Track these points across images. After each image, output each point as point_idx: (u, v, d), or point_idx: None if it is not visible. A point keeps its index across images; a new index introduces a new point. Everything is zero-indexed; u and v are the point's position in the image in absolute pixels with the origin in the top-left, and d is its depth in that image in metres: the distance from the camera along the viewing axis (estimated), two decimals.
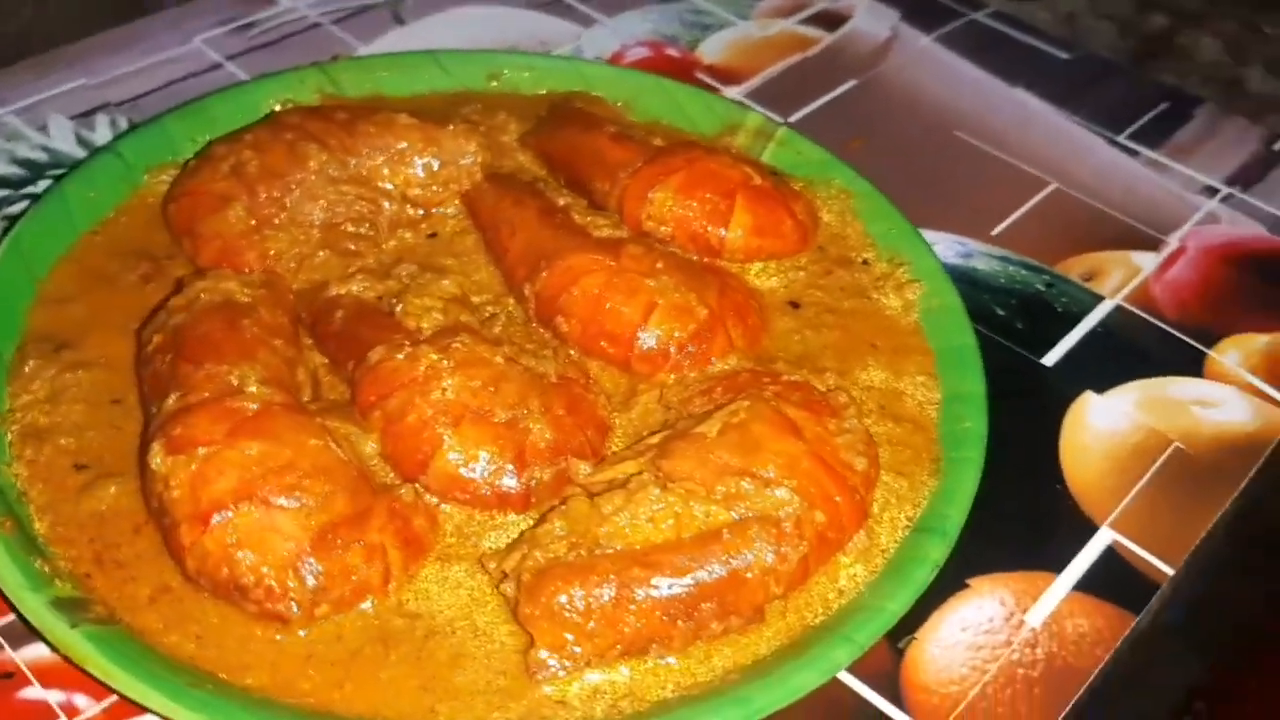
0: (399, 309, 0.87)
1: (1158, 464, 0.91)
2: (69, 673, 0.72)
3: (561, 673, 0.71)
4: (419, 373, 0.80)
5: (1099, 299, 1.05)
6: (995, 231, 1.10)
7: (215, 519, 0.71)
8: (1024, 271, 1.07)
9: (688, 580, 0.72)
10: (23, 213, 0.93)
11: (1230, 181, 1.19)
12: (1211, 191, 1.18)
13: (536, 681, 0.71)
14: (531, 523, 0.78)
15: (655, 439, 0.80)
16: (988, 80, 1.30)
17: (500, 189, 0.97)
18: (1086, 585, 0.82)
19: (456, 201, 0.99)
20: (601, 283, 0.87)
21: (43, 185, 1.05)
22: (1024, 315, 1.02)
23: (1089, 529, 0.86)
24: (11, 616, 0.75)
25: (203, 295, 0.83)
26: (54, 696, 0.72)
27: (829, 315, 0.95)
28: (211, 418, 0.74)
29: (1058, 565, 0.84)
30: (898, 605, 0.74)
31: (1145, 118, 1.26)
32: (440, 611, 0.74)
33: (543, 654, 0.70)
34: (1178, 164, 1.21)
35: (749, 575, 0.72)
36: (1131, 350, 1.01)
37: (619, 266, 0.88)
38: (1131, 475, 0.90)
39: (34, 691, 0.72)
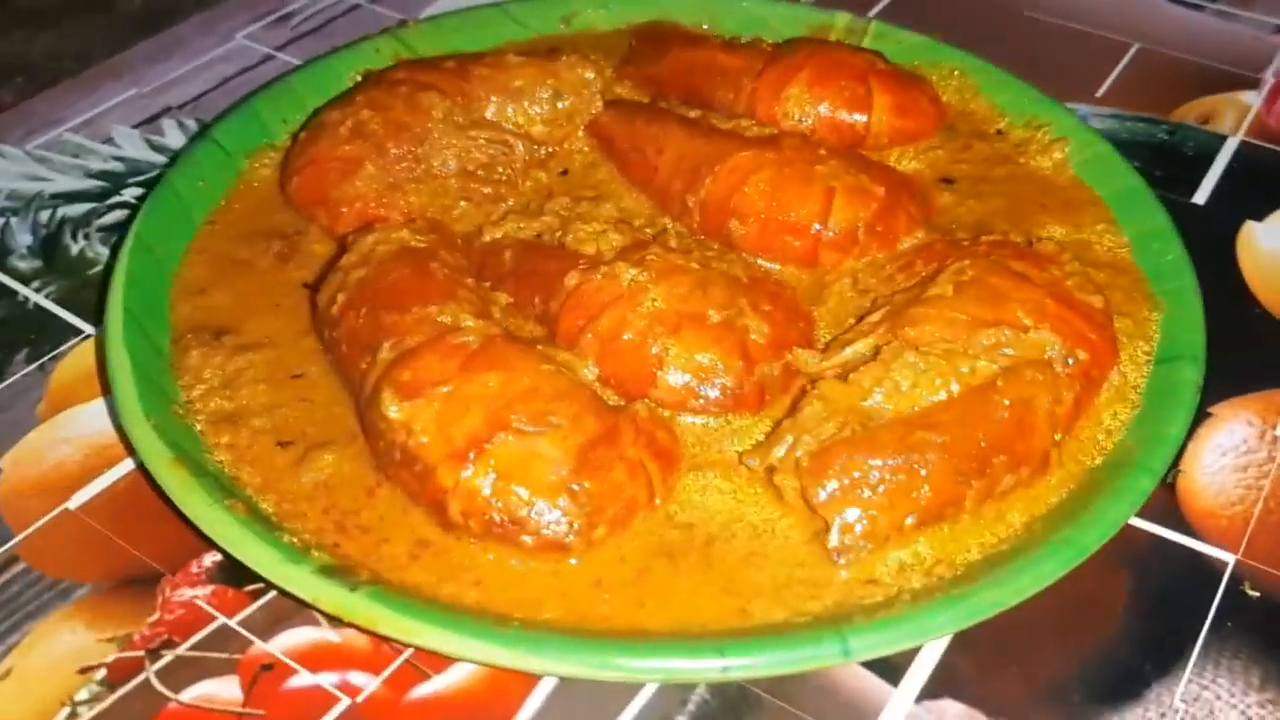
0: (569, 239, 0.82)
1: None
2: (334, 651, 0.68)
3: (864, 551, 0.67)
4: (624, 288, 0.76)
5: (1223, 138, 1.04)
6: (1100, 94, 1.09)
7: (474, 455, 0.66)
8: (1142, 124, 1.06)
9: (977, 435, 0.68)
10: (124, 221, 0.87)
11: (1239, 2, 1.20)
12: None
13: (839, 565, 0.67)
14: (768, 422, 0.74)
15: (876, 316, 0.77)
16: None
17: (629, 111, 0.93)
18: None
19: (580, 134, 0.95)
20: (772, 177, 0.84)
21: (129, 194, 0.99)
22: (1159, 163, 1.01)
23: None
24: (250, 608, 0.69)
25: (379, 247, 0.78)
26: (327, 679, 0.66)
27: (984, 184, 0.92)
28: (440, 356, 0.69)
29: None
30: (1178, 429, 0.71)
31: None
32: (711, 518, 0.70)
33: (841, 535, 0.67)
34: (1243, 11, 1.21)
35: (1034, 421, 0.69)
36: (1270, 176, 1.00)
37: (784, 159, 0.85)
38: None
39: (303, 679, 0.66)
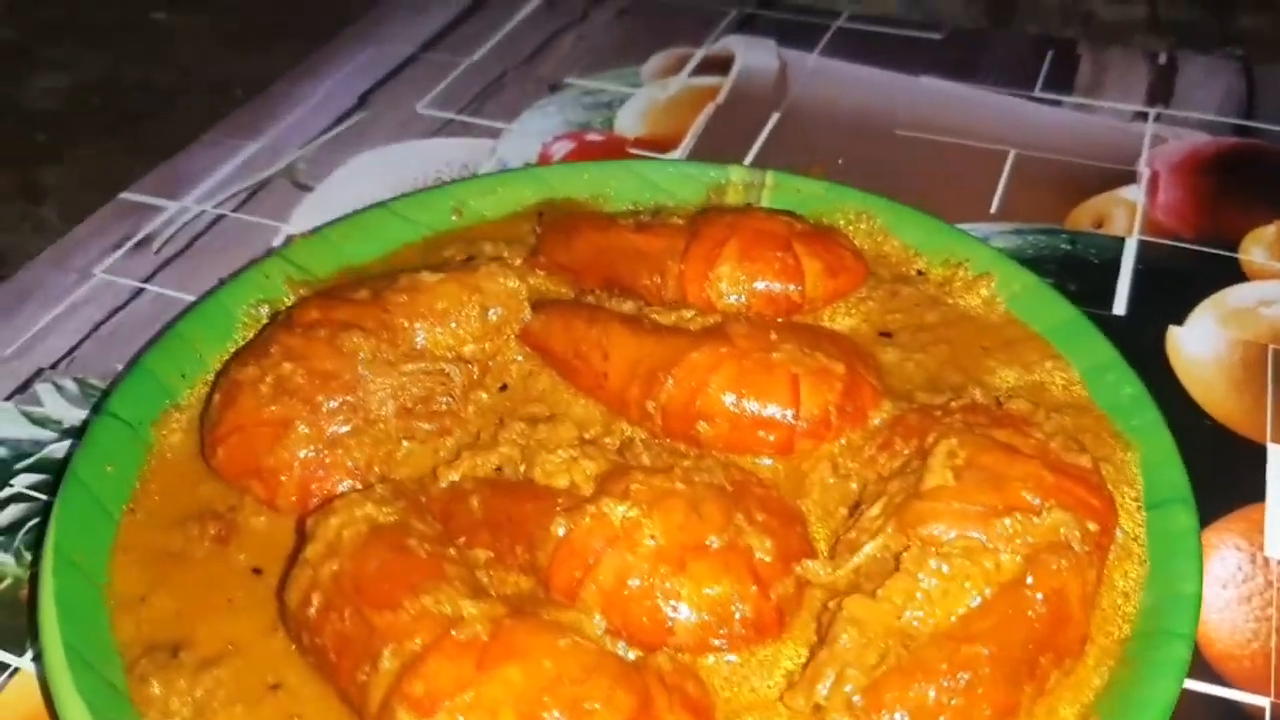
0: (536, 472, 0.78)
1: (1270, 370, 0.93)
2: None
3: None
4: (617, 529, 0.72)
5: (1121, 240, 1.07)
6: (994, 210, 1.11)
7: None
8: (1043, 236, 1.08)
9: (1021, 638, 0.66)
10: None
11: (1150, 103, 1.25)
12: (1142, 116, 1.23)
13: None
14: (792, 646, 0.71)
15: (875, 510, 0.75)
16: (891, 77, 1.31)
17: (563, 315, 0.89)
18: None
19: (513, 343, 0.90)
20: (732, 374, 0.81)
21: (20, 483, 0.89)
22: (1070, 276, 1.03)
23: (1259, 449, 0.87)
24: None
25: (345, 533, 0.71)
26: None
27: (923, 333, 0.92)
28: (449, 659, 0.63)
29: (1258, 493, 0.84)
30: (1195, 586, 0.71)
31: (1043, 70, 1.31)
32: None
33: None
34: (1097, 101, 1.26)
35: (1070, 610, 0.68)
36: (1176, 276, 1.03)
37: (739, 351, 0.82)
38: (1257, 386, 0.92)
39: None
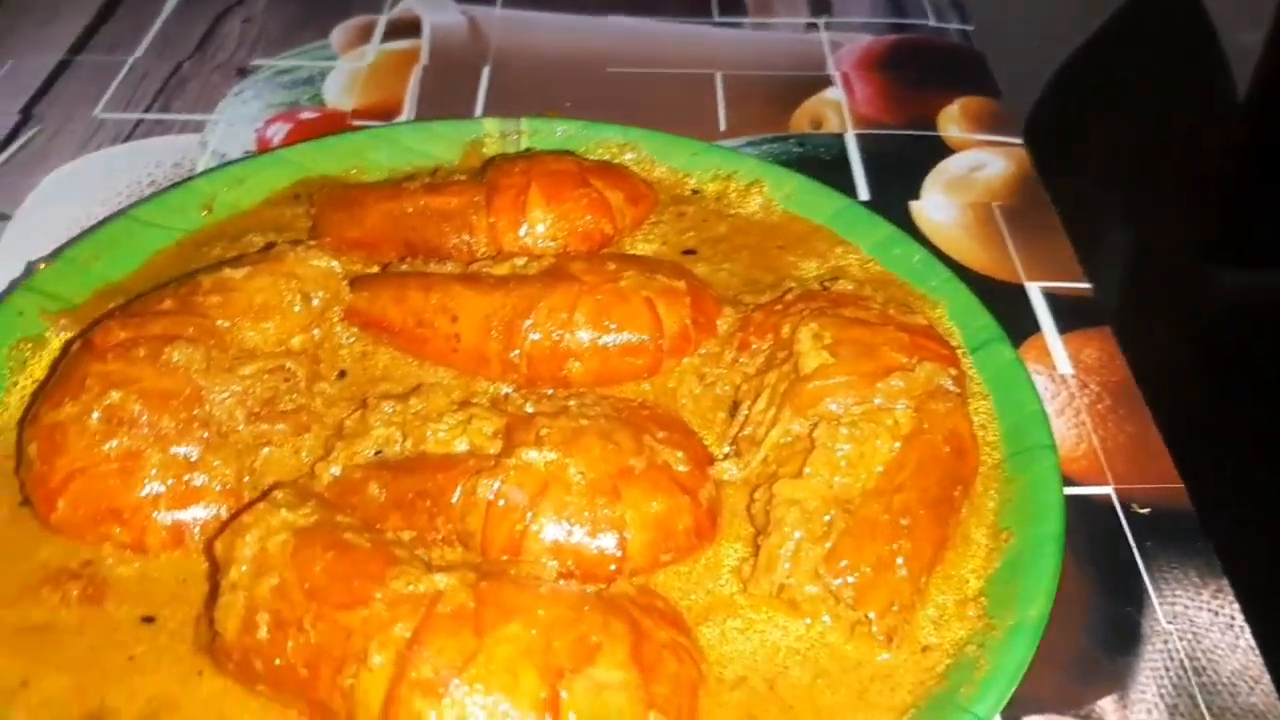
0: (428, 444, 0.75)
1: (1001, 223, 1.06)
2: None
3: (905, 625, 0.69)
4: (544, 474, 0.71)
5: (840, 136, 1.17)
6: (723, 128, 1.18)
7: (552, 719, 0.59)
8: (775, 144, 1.16)
9: (936, 477, 0.73)
10: None
11: (815, 14, 1.36)
12: (814, 26, 1.34)
13: (893, 647, 0.69)
14: (726, 545, 0.74)
15: (761, 404, 0.79)
16: (580, 19, 1.34)
17: (389, 286, 0.85)
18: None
19: (337, 328, 0.85)
20: (591, 309, 0.82)
21: None
22: (811, 174, 1.11)
23: (1019, 288, 0.99)
24: None
25: (269, 547, 0.65)
26: None
27: (722, 245, 0.96)
28: (445, 633, 0.60)
29: (1033, 326, 0.96)
30: (1037, 404, 0.81)
31: None
32: (754, 661, 0.68)
33: (882, 621, 0.68)
34: (770, 19, 1.35)
35: (965, 444, 0.75)
36: (896, 159, 1.14)
37: (589, 286, 0.83)
38: (997, 239, 1.04)
39: None
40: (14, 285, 0.87)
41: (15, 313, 0.85)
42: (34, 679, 0.66)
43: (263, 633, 0.63)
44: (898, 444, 0.74)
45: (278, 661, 0.63)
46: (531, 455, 0.71)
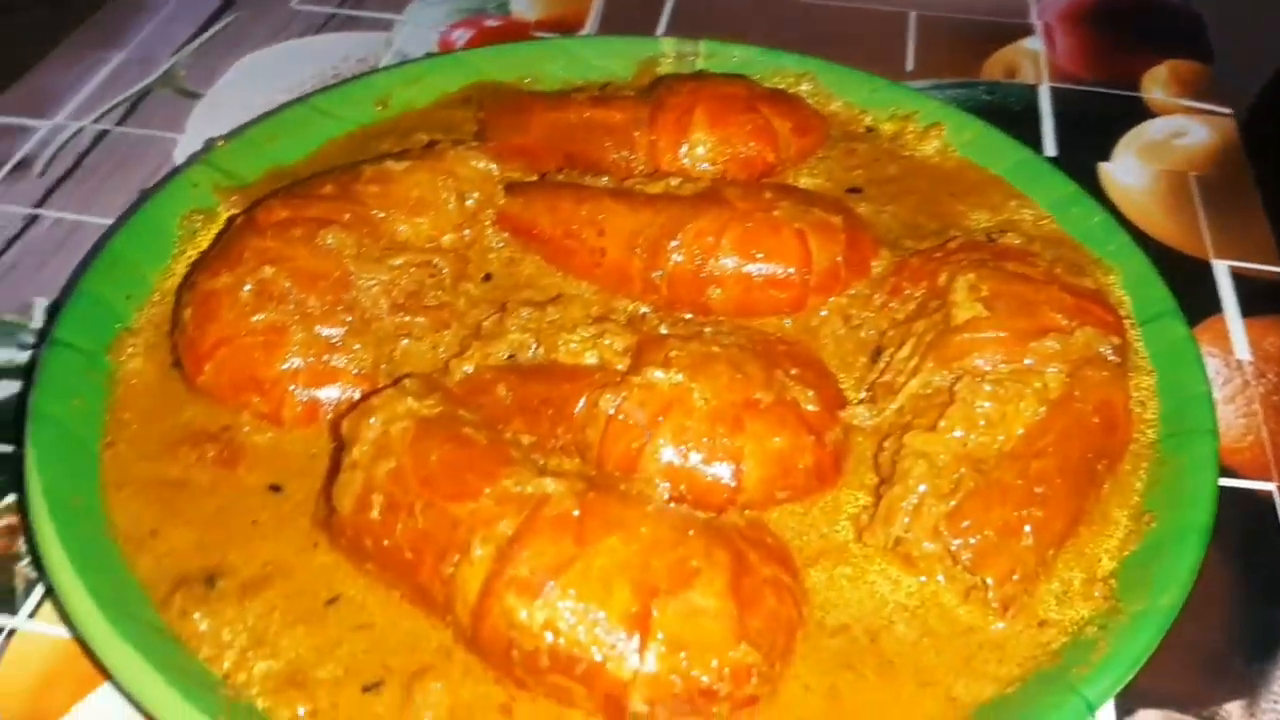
0: (559, 354, 0.75)
1: (1196, 194, 0.99)
2: None
3: (1024, 595, 0.66)
4: (668, 395, 0.70)
5: (1034, 88, 1.10)
6: (910, 68, 1.13)
7: (641, 637, 0.58)
8: (963, 90, 1.10)
9: (1081, 447, 0.69)
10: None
11: None
12: None
13: (1008, 617, 0.66)
14: (848, 492, 0.72)
15: (905, 352, 0.76)
16: None
17: (545, 195, 0.85)
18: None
19: (489, 231, 0.85)
20: (739, 236, 0.80)
21: None
22: (997, 123, 1.05)
23: (1205, 264, 0.93)
24: None
25: (391, 431, 0.66)
26: None
27: (889, 186, 0.93)
28: (548, 537, 0.60)
29: (1214, 306, 0.89)
30: (1204, 386, 0.75)
31: None
32: (860, 611, 0.66)
33: (1000, 588, 0.65)
34: None
35: (1116, 417, 0.71)
36: (1092, 117, 1.07)
37: (741, 213, 0.81)
38: (1189, 210, 0.97)
39: None
40: (192, 159, 0.90)
41: (190, 185, 0.88)
42: (163, 530, 0.69)
43: (375, 513, 0.64)
44: (1043, 408, 0.70)
45: (386, 543, 0.64)
46: (657, 375, 0.71)
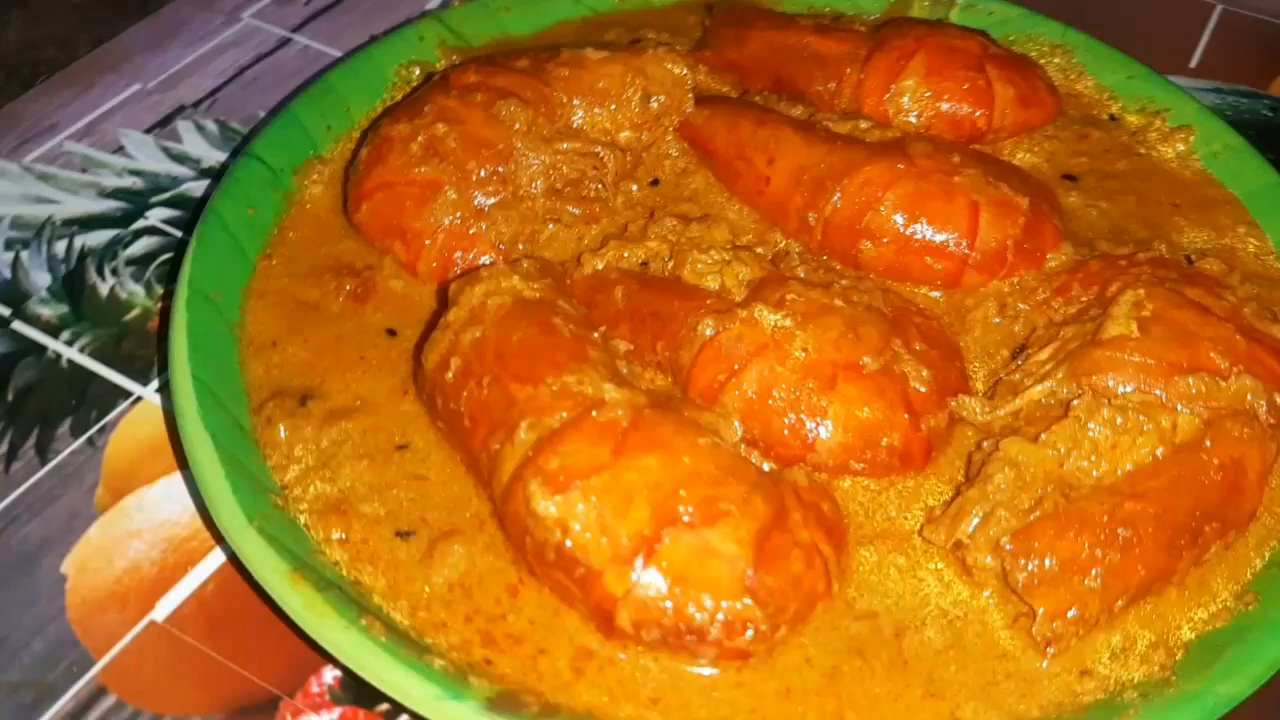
0: (686, 271, 0.74)
1: None
2: None
3: (1075, 638, 0.61)
4: (768, 337, 0.68)
5: None
6: (1193, 64, 1.02)
7: (644, 557, 0.58)
8: (1244, 100, 0.99)
9: (1190, 503, 0.62)
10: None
11: None
12: None
13: (1048, 654, 0.61)
14: (935, 481, 0.68)
15: (1044, 355, 0.70)
16: None
17: (730, 112, 0.83)
18: None
19: (670, 137, 0.85)
20: (909, 193, 0.75)
21: (155, 216, 0.88)
22: (1271, 145, 0.94)
23: None
24: None
25: (490, 301, 0.68)
26: None
27: (1110, 181, 0.85)
28: (589, 439, 0.61)
29: None
30: None
31: None
32: (895, 603, 0.63)
33: (1050, 623, 0.60)
34: None
35: (1246, 482, 0.63)
36: None
37: (919, 170, 0.76)
38: None
39: None
40: (425, 13, 0.94)
41: (417, 37, 0.92)
42: (282, 343, 0.74)
43: (450, 375, 0.67)
44: (1162, 449, 0.63)
45: (453, 406, 0.67)
46: (765, 313, 0.69)
